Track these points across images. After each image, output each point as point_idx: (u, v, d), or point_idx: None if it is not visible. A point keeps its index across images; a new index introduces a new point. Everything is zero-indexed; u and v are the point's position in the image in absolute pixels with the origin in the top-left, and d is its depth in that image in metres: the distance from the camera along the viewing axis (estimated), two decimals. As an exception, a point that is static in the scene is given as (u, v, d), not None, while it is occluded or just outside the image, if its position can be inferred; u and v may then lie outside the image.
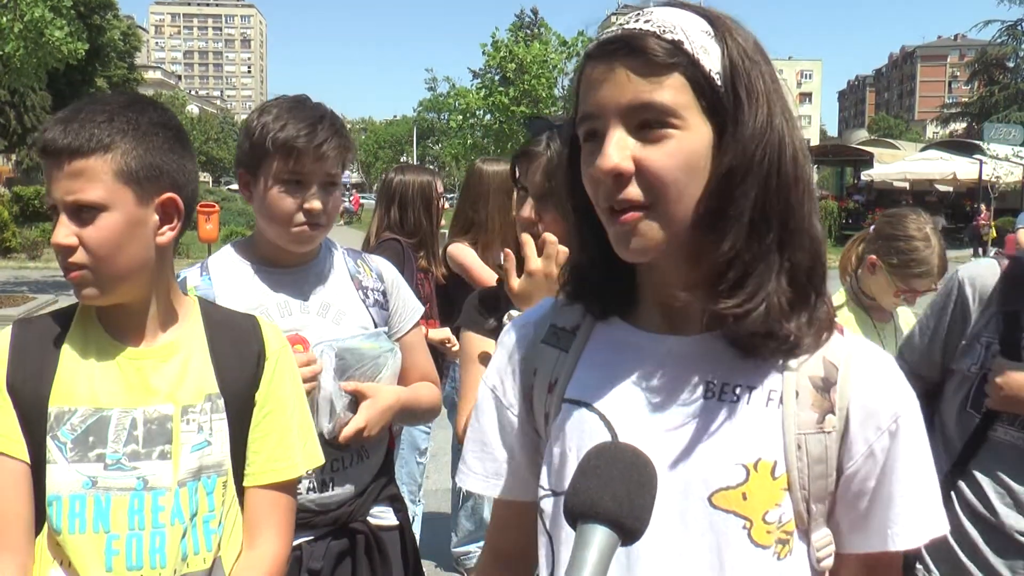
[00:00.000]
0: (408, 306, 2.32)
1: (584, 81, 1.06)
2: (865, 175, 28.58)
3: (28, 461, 1.45)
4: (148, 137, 1.46)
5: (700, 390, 1.08)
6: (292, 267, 2.13)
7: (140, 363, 1.52)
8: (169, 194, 1.50)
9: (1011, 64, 43.94)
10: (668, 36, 0.99)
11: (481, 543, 4.49)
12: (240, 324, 1.67)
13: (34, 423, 1.45)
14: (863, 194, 29.08)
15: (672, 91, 0.99)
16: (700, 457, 1.05)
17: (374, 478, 2.19)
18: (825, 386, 1.06)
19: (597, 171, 1.01)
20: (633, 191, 1.01)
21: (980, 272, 2.05)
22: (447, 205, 4.19)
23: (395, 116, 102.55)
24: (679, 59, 0.99)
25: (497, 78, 19.66)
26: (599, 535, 0.83)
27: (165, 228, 1.52)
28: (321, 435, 1.92)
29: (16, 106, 35.18)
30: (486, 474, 1.26)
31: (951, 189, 28.65)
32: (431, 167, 5.53)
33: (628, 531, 0.85)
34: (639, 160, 1.00)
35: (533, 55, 15.20)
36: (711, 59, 1.00)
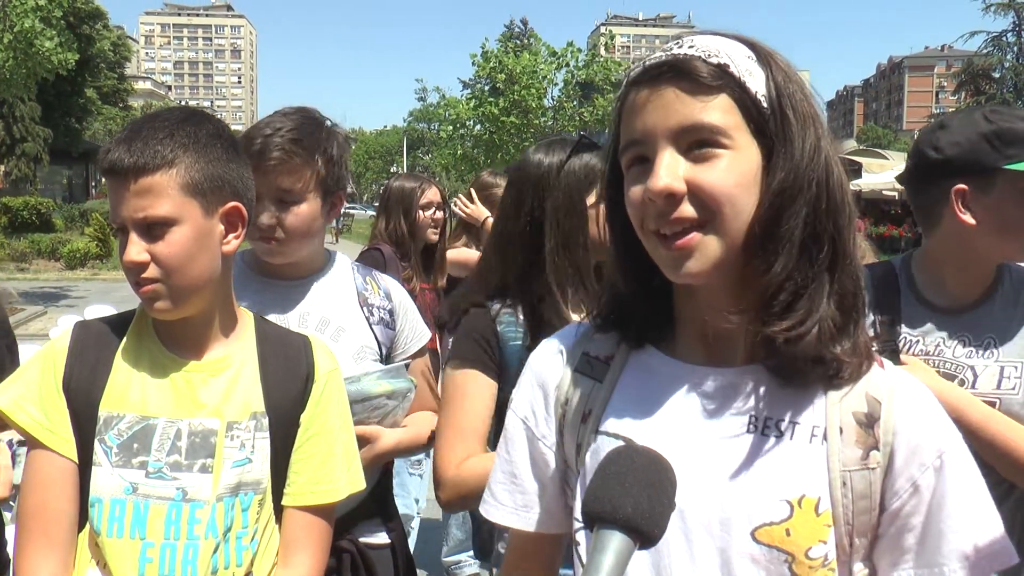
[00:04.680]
0: (416, 330, 2.27)
1: (628, 107, 1.05)
2: (854, 185, 28.70)
3: (76, 461, 1.48)
4: (208, 149, 1.48)
5: (743, 425, 1.07)
6: (294, 279, 2.11)
7: (190, 375, 1.54)
8: (233, 203, 1.53)
9: (997, 74, 44.29)
10: (714, 60, 1.00)
11: (471, 551, 4.48)
12: (292, 343, 1.67)
13: (84, 425, 1.49)
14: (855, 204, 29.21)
15: (721, 112, 0.99)
16: (744, 493, 1.04)
17: (366, 496, 2.11)
18: (869, 422, 1.05)
19: (649, 192, 1.00)
20: (687, 210, 1.00)
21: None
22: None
23: (385, 126, 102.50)
24: (726, 81, 1.00)
25: (487, 88, 19.68)
26: (616, 540, 0.84)
27: (230, 236, 1.55)
28: None
29: (5, 117, 35.06)
30: (515, 506, 1.23)
31: (939, 198, 28.73)
32: (424, 175, 5.55)
33: (646, 536, 0.86)
34: (691, 180, 0.99)
35: (523, 66, 15.19)
36: (756, 82, 1.01)
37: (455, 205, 4.28)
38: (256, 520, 1.54)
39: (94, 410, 1.49)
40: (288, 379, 1.61)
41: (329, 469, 1.62)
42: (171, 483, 1.48)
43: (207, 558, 1.48)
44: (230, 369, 1.57)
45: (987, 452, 1.75)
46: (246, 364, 1.59)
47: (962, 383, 1.83)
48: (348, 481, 1.66)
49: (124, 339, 1.55)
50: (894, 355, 1.89)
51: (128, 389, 1.51)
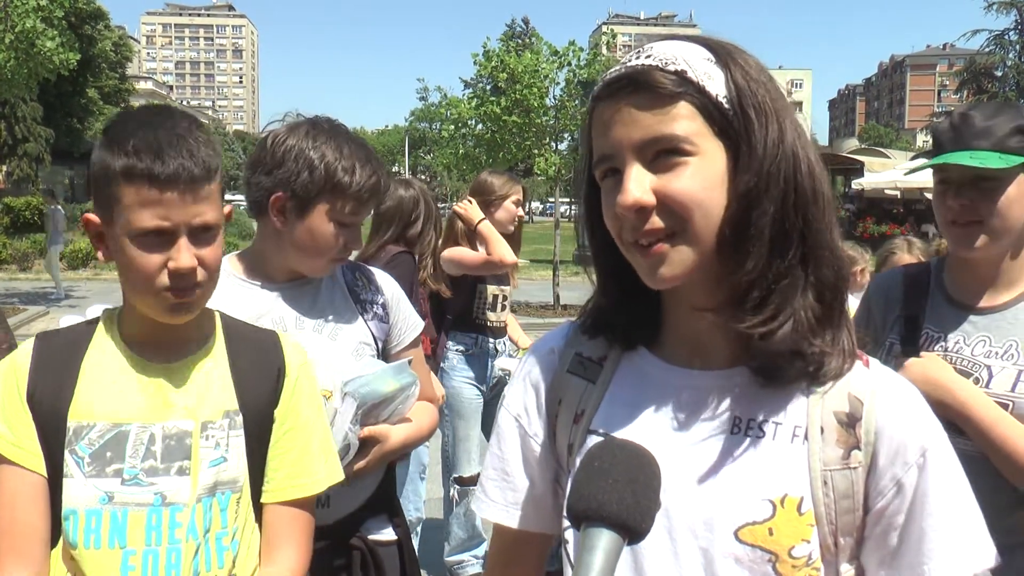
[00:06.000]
0: (409, 321, 2.29)
1: (595, 123, 1.07)
2: (856, 184, 28.65)
3: (45, 474, 1.46)
4: (221, 154, 1.51)
5: (727, 425, 1.08)
6: (288, 282, 2.11)
7: (160, 378, 1.52)
8: (230, 205, 1.55)
9: (999, 73, 44.19)
10: (671, 67, 1.01)
11: (474, 551, 4.49)
12: (261, 339, 1.67)
13: (52, 437, 1.46)
14: (854, 203, 29.16)
15: (683, 120, 1.00)
16: (727, 492, 1.05)
17: (373, 494, 2.18)
18: (850, 421, 1.05)
19: (619, 208, 1.02)
20: (657, 222, 1.01)
21: (886, 281, 2.12)
22: None
23: (387, 126, 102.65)
24: (685, 88, 1.00)
25: (488, 88, 19.63)
26: (604, 538, 0.84)
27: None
28: None
29: (7, 117, 35.06)
30: (506, 503, 1.25)
31: (941, 197, 28.61)
32: (415, 178, 5.57)
33: (633, 532, 0.85)
34: (659, 191, 1.01)
35: (524, 65, 15.13)
36: (716, 84, 1.01)
37: (461, 207, 4.29)
38: (235, 519, 1.54)
39: (62, 421, 1.47)
40: (260, 375, 1.61)
41: (308, 462, 1.63)
42: (148, 488, 1.47)
43: (189, 561, 1.47)
44: (201, 369, 1.56)
45: (992, 452, 1.76)
46: (216, 363, 1.58)
47: (976, 381, 1.83)
48: (327, 473, 1.66)
49: (89, 347, 1.53)
50: (914, 350, 1.93)
51: (97, 397, 1.49)
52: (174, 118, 1.50)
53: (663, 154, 1.01)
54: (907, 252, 3.89)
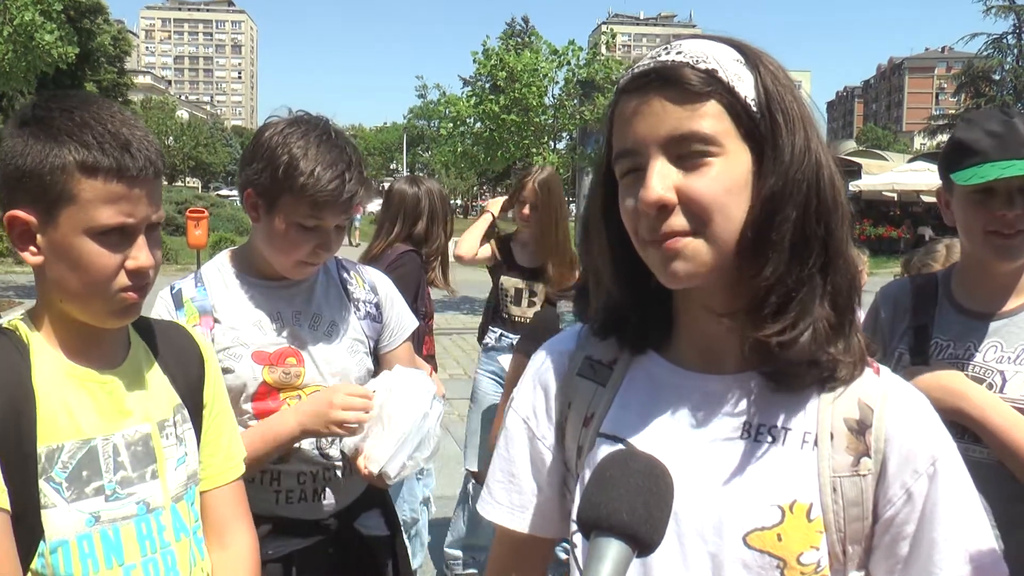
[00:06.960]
0: (402, 321, 2.29)
1: (618, 116, 1.05)
2: (853, 186, 28.68)
3: (9, 509, 1.28)
4: None
5: (737, 430, 1.07)
6: (284, 279, 2.11)
7: (108, 385, 1.43)
8: None
9: (997, 77, 44.23)
10: (702, 66, 0.99)
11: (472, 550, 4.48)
12: (172, 330, 1.64)
13: (19, 468, 1.30)
14: (852, 205, 29.22)
15: (710, 119, 0.99)
16: (736, 497, 1.04)
17: (366, 489, 2.19)
18: (860, 428, 1.05)
19: (641, 204, 1.00)
20: (678, 221, 1.00)
21: (893, 291, 2.11)
22: None
23: (385, 123, 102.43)
24: (715, 87, 0.99)
25: (487, 86, 19.64)
26: (613, 548, 0.82)
27: None
28: (343, 453, 2.05)
29: (5, 110, 34.95)
30: (511, 506, 1.23)
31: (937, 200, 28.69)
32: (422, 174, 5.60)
33: (643, 543, 0.84)
34: (682, 189, 0.99)
35: (524, 63, 15.13)
36: (745, 86, 1.00)
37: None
38: (200, 511, 1.55)
39: (30, 448, 1.32)
40: (187, 364, 1.59)
41: (236, 442, 1.67)
42: (129, 499, 1.41)
43: (185, 560, 1.46)
44: (139, 369, 1.50)
45: (1010, 457, 1.75)
46: (147, 360, 1.53)
47: (990, 387, 1.83)
48: (244, 449, 1.70)
49: (33, 364, 1.37)
50: (923, 360, 1.92)
51: (57, 415, 1.36)
52: (111, 107, 1.38)
53: (688, 152, 0.99)
54: (942, 264, 3.83)
